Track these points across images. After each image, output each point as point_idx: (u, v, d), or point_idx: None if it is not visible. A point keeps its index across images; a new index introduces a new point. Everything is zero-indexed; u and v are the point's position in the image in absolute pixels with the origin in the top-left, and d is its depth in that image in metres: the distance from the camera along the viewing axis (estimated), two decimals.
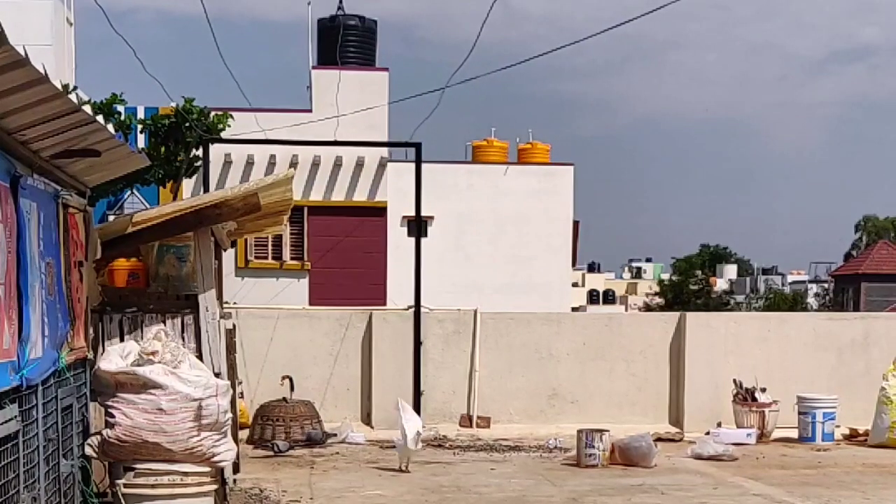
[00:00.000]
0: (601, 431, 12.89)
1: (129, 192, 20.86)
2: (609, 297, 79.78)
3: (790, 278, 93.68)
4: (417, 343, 16.06)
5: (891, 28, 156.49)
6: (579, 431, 12.97)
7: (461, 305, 16.80)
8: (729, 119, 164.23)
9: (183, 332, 9.92)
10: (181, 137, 18.88)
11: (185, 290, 10.21)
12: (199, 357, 9.65)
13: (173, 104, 19.29)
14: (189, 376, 8.82)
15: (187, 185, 21.43)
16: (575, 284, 59.29)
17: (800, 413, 15.05)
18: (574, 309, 35.47)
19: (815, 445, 14.69)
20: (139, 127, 19.32)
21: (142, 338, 9.38)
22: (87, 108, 6.78)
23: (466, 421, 15.95)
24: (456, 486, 11.53)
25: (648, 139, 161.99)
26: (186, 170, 19.49)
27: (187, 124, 18.79)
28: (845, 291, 58.92)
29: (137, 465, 8.72)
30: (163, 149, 18.85)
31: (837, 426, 15.11)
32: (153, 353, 8.88)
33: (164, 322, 9.80)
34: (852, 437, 15.19)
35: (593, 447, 12.71)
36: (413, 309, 16.37)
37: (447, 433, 15.25)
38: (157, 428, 8.62)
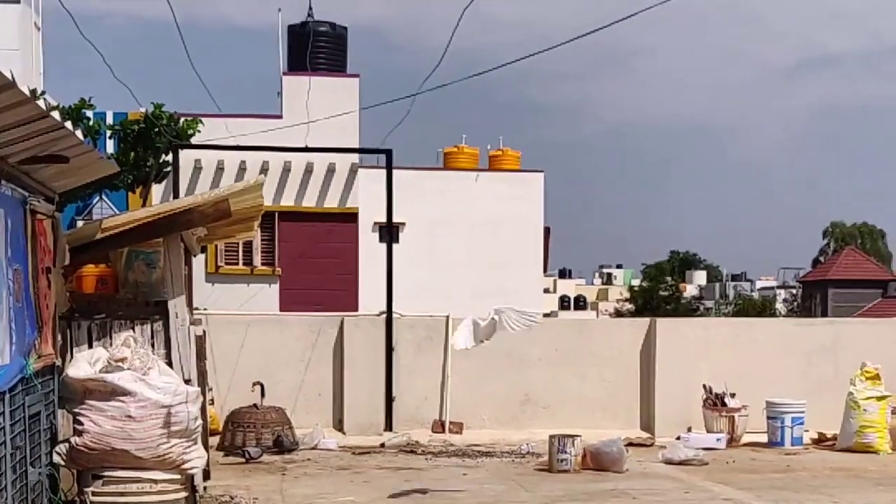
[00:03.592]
0: (573, 437, 12.90)
1: (97, 198, 20.76)
2: (580, 303, 79.99)
3: (759, 284, 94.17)
4: (389, 349, 16.04)
5: (859, 36, 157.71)
6: (551, 437, 12.98)
7: (433, 311, 16.78)
8: (699, 126, 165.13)
9: (152, 338, 9.87)
10: (150, 143, 18.80)
11: (155, 296, 10.16)
12: (169, 363, 9.60)
13: (142, 109, 19.22)
14: (158, 383, 8.78)
15: (157, 190, 21.35)
16: (546, 290, 59.44)
17: (769, 418, 15.11)
18: (546, 315, 35.52)
19: (784, 450, 14.75)
20: (108, 132, 19.24)
21: (110, 344, 9.32)
22: (56, 114, 6.74)
23: (439, 427, 15.93)
24: (429, 492, 11.50)
25: (619, 146, 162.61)
26: (156, 175, 19.41)
27: (157, 130, 18.72)
28: (813, 297, 59.21)
29: (106, 473, 8.67)
30: (132, 154, 18.77)
31: (806, 430, 15.18)
32: (122, 360, 8.83)
33: (134, 328, 9.75)
34: (821, 441, 15.27)
35: (565, 452, 12.72)
36: (385, 315, 16.35)
37: (419, 439, 15.22)
38: (126, 435, 8.56)
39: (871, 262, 62.77)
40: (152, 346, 9.72)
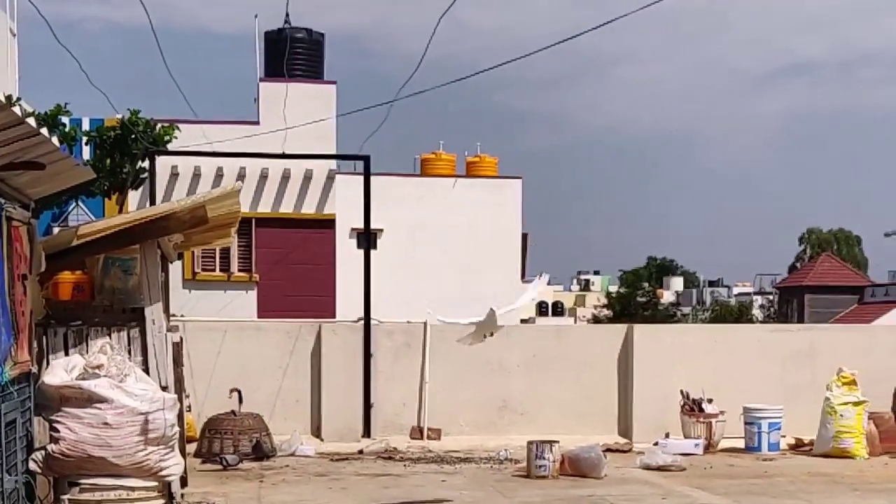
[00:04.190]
0: (551, 443, 12.91)
1: (74, 205, 20.64)
2: (558, 309, 79.98)
3: (736, 290, 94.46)
4: (367, 355, 16.02)
5: (833, 44, 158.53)
6: (529, 443, 12.98)
7: (411, 318, 16.76)
8: (676, 132, 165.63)
9: (129, 345, 9.84)
10: (127, 149, 18.71)
11: (132, 302, 10.13)
12: (146, 370, 9.58)
13: (119, 116, 19.14)
14: (135, 390, 8.75)
15: (133, 197, 21.25)
16: None
17: (746, 423, 15.15)
18: (523, 321, 35.53)
19: (761, 455, 14.79)
20: (84, 138, 19.14)
21: (87, 351, 9.30)
22: (31, 121, 6.72)
23: (417, 433, 15.91)
24: (407, 499, 11.49)
25: (596, 152, 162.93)
26: (132, 182, 19.33)
27: (133, 136, 18.64)
28: (790, 303, 59.54)
29: (83, 480, 8.64)
30: (108, 161, 18.67)
31: (783, 436, 15.23)
32: (98, 367, 8.80)
33: (110, 335, 9.72)
34: (798, 446, 15.32)
35: (543, 458, 12.72)
36: (363, 321, 16.33)
37: (398, 445, 15.20)
38: (103, 442, 8.53)
39: (847, 268, 63.17)
40: (129, 352, 9.69)
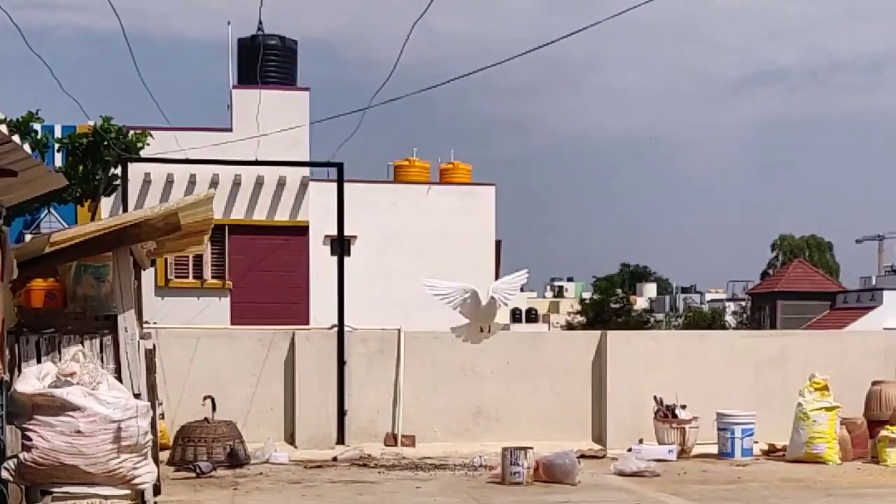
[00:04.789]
0: (525, 449, 12.91)
1: (46, 212, 20.59)
2: (532, 316, 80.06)
3: (708, 296, 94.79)
4: (341, 362, 15.99)
5: (805, 52, 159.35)
6: (504, 449, 12.98)
7: (385, 324, 16.75)
8: (647, 139, 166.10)
9: (102, 352, 9.79)
10: (99, 156, 18.68)
11: (104, 310, 10.08)
12: (119, 378, 9.53)
13: (91, 122, 19.10)
14: (108, 398, 8.71)
15: (106, 204, 21.20)
16: None
17: (719, 429, 15.20)
18: None
19: (734, 461, 14.84)
20: (56, 145, 19.09)
21: (59, 359, 9.25)
22: (3, 127, 6.69)
23: (391, 440, 15.90)
24: None
25: (570, 159, 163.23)
26: (105, 189, 19.28)
27: (105, 143, 18.60)
28: (762, 309, 59.79)
29: (55, 489, 8.59)
30: (80, 167, 18.63)
31: (756, 442, 15.28)
32: (71, 375, 8.75)
33: (83, 343, 9.67)
34: (770, 452, 15.38)
35: (518, 465, 12.73)
36: (336, 328, 16.30)
37: (372, 452, 15.17)
38: (76, 450, 8.49)
39: (819, 274, 63.54)
40: (101, 360, 9.64)
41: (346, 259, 17.34)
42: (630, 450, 14.74)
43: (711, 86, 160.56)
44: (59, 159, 19.67)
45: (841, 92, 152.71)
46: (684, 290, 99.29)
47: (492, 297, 11.73)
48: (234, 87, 25.47)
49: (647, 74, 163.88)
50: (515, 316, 77.18)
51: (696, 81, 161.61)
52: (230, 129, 24.12)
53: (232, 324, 22.60)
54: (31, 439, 8.49)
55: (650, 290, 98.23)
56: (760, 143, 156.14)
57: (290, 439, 15.84)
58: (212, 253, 24.25)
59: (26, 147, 7.43)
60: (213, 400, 14.61)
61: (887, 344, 17.18)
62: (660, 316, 79.20)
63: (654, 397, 15.56)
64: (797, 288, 57.31)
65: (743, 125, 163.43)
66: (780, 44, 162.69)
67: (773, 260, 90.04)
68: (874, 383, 15.88)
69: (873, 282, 65.80)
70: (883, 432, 14.62)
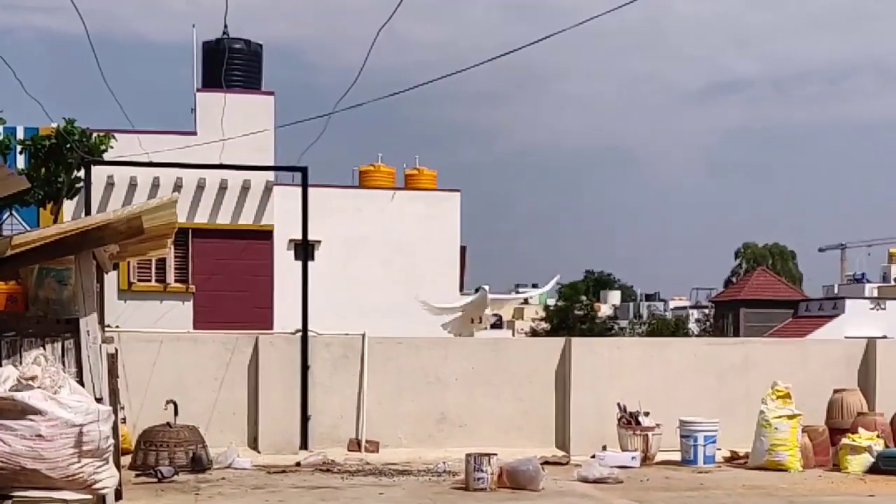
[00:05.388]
0: (489, 455, 12.91)
1: (7, 214, 20.43)
2: (496, 323, 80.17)
3: (672, 304, 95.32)
4: (305, 367, 15.94)
5: (767, 62, 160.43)
6: (468, 455, 12.98)
7: (349, 329, 16.71)
8: (613, 147, 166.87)
9: (63, 356, 9.72)
10: (62, 158, 18.55)
11: (66, 313, 10.02)
12: (80, 382, 9.47)
13: (54, 124, 18.97)
14: (69, 402, 8.65)
15: (68, 206, 21.06)
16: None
17: (682, 436, 15.25)
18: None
19: (697, 468, 14.88)
20: (18, 147, 18.96)
21: (20, 362, 9.17)
22: None
23: (355, 445, 15.86)
24: None
25: (534, 166, 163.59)
26: (67, 191, 19.15)
27: (68, 145, 18.48)
28: (725, 317, 60.11)
29: (16, 493, 8.52)
30: (43, 170, 18.51)
31: (719, 449, 15.34)
32: (32, 378, 8.69)
33: (44, 346, 9.60)
34: (733, 459, 15.44)
35: (481, 471, 12.72)
36: (300, 333, 16.25)
37: (336, 458, 15.13)
38: (37, 455, 8.42)
39: (782, 282, 63.98)
40: (63, 364, 9.58)
41: (310, 264, 17.30)
42: (593, 456, 14.77)
43: (675, 94, 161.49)
44: (21, 161, 19.53)
45: (803, 102, 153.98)
46: (648, 298, 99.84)
47: (483, 290, 11.60)
48: (199, 90, 25.36)
49: (611, 83, 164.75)
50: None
51: (660, 90, 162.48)
52: (194, 133, 24.01)
53: (195, 328, 22.46)
54: None
55: (614, 297, 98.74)
56: (724, 152, 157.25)
57: (254, 444, 15.77)
58: (175, 256, 24.13)
59: None
60: (175, 404, 14.53)
61: (849, 352, 17.31)
62: (624, 323, 79.54)
63: (618, 404, 15.60)
64: (760, 296, 57.66)
65: (706, 134, 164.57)
66: (743, 53, 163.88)
67: (736, 268, 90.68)
68: (836, 391, 15.98)
69: (836, 290, 66.34)
70: (844, 440, 14.72)
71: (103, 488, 8.88)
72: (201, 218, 24.47)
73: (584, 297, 75.06)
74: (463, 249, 29.85)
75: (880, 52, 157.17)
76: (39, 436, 8.41)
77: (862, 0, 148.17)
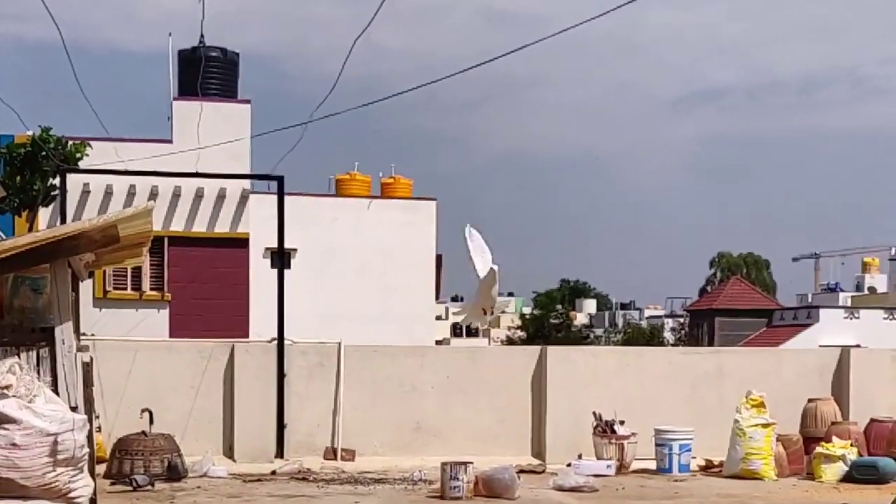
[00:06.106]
0: (465, 464, 12.93)
1: None
2: (472, 331, 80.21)
3: (647, 313, 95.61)
4: (281, 376, 15.91)
5: (743, 71, 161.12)
6: (443, 464, 13.00)
7: (326, 338, 16.70)
8: (588, 156, 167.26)
9: (38, 365, 9.69)
10: (37, 166, 18.51)
11: (41, 322, 9.98)
12: (55, 391, 9.43)
13: (29, 132, 18.92)
14: (44, 410, 8.62)
15: (44, 214, 20.99)
16: (439, 317, 59.55)
17: (657, 445, 15.30)
18: (438, 342, 35.62)
19: (672, 476, 14.94)
20: None
21: None
22: None
23: (331, 454, 15.84)
24: None
25: (510, 174, 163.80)
26: (43, 199, 19.10)
27: (44, 153, 18.43)
28: (700, 326, 60.25)
29: None
30: (18, 178, 18.46)
31: (693, 457, 15.39)
32: (7, 387, 8.66)
33: (19, 355, 9.55)
34: (708, 467, 15.50)
35: (457, 479, 12.74)
36: (276, 341, 16.23)
37: (311, 466, 15.12)
38: (11, 463, 8.39)
39: (757, 291, 64.17)
40: (38, 372, 9.54)
41: (286, 272, 17.28)
42: (569, 465, 14.81)
43: (651, 103, 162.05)
44: None
45: (778, 111, 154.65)
46: (623, 307, 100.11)
47: (492, 269, 11.17)
48: (175, 98, 25.31)
49: (588, 92, 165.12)
50: (456, 330, 77.29)
51: (637, 99, 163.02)
52: (170, 141, 23.97)
53: (171, 336, 22.41)
54: None
55: (590, 305, 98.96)
56: (699, 161, 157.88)
57: (229, 453, 15.73)
58: (151, 264, 24.06)
59: None
60: (150, 413, 14.49)
61: (822, 361, 17.41)
62: (599, 331, 79.79)
63: (593, 413, 15.64)
64: (735, 305, 57.81)
65: (681, 142, 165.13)
66: (720, 62, 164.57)
67: (711, 277, 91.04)
68: (810, 400, 16.07)
69: (810, 299, 66.68)
70: (818, 449, 14.80)
71: (78, 497, 8.85)
72: (177, 226, 24.41)
73: (559, 306, 75.21)
74: (439, 258, 29.86)
75: (854, 62, 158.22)
76: (14, 445, 8.38)
77: (836, 11, 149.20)
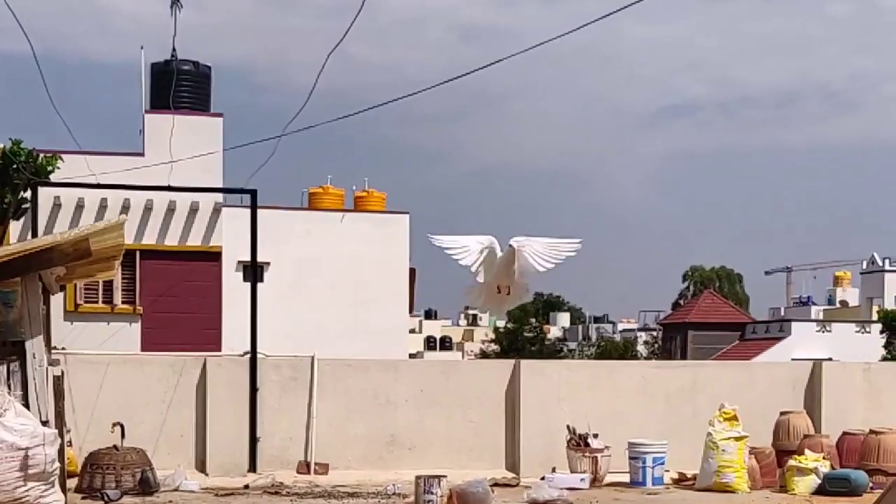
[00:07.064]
0: (439, 477, 12.90)
1: None
2: (446, 344, 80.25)
3: (620, 326, 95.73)
4: (253, 389, 15.86)
5: (715, 86, 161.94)
6: (417, 478, 12.96)
7: (299, 351, 16.65)
8: (563, 169, 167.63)
9: (9, 379, 9.63)
10: (8, 179, 18.40)
11: (11, 336, 9.91)
12: (26, 405, 9.37)
13: (0, 145, 18.80)
14: (15, 425, 8.56)
15: (15, 227, 20.85)
16: (412, 331, 59.58)
17: (631, 458, 15.31)
18: (412, 355, 35.65)
19: (645, 489, 14.95)
20: None
21: None
22: None
23: (304, 468, 15.78)
24: None
25: (483, 188, 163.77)
26: (14, 212, 18.99)
27: (14, 166, 18.33)
28: (673, 339, 60.48)
29: None
30: None
31: (667, 470, 15.41)
32: None
33: None
34: (681, 480, 15.53)
35: (432, 493, 12.70)
36: (249, 355, 16.17)
37: (284, 480, 15.06)
38: None
39: (729, 305, 64.49)
40: (8, 387, 9.48)
41: (259, 285, 17.24)
42: (543, 478, 14.80)
43: (625, 116, 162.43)
44: None
45: (751, 125, 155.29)
46: (597, 320, 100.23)
47: (510, 248, 10.51)
48: (147, 111, 25.22)
49: (560, 105, 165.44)
50: (430, 343, 77.27)
51: (610, 112, 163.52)
52: (142, 154, 23.87)
53: (143, 350, 22.29)
54: None
55: (563, 319, 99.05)
56: (672, 174, 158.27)
57: (202, 467, 15.66)
58: (122, 278, 23.91)
59: None
60: (122, 427, 14.41)
61: (794, 375, 17.47)
62: (573, 345, 79.83)
63: (567, 426, 15.64)
64: (707, 319, 58.09)
65: (654, 156, 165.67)
66: (692, 78, 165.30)
67: (684, 290, 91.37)
68: (782, 413, 16.13)
69: (782, 313, 67.04)
70: (791, 462, 14.85)
71: None
72: (149, 239, 24.30)
73: (533, 320, 75.19)
74: (412, 271, 29.85)
75: (826, 78, 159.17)
76: None
77: (809, 26, 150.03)
